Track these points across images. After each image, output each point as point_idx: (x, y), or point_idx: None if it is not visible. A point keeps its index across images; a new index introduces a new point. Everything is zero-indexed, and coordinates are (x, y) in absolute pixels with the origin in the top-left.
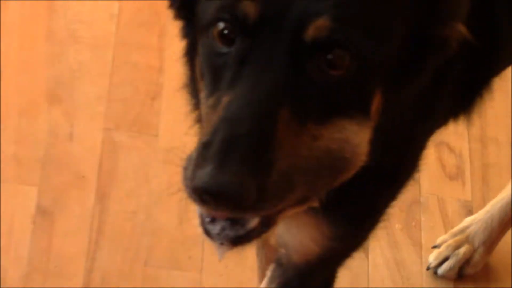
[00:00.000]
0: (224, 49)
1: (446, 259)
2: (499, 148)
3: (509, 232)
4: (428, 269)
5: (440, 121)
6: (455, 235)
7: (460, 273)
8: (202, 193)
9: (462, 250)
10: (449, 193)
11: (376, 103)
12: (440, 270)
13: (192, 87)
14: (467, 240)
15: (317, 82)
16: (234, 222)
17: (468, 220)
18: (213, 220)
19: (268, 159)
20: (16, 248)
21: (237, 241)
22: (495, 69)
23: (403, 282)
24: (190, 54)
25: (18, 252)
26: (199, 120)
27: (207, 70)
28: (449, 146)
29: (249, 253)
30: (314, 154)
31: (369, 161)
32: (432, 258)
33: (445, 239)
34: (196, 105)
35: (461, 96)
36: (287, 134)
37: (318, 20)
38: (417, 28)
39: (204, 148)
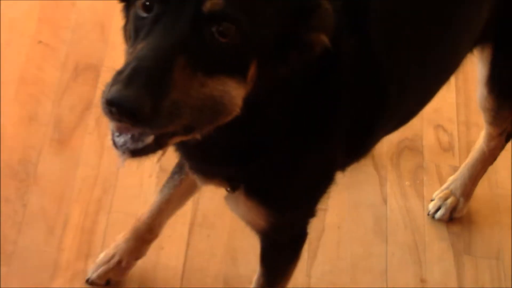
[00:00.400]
0: (145, 15)
1: (439, 207)
2: (479, 130)
3: (482, 183)
4: (428, 214)
5: (338, 151)
6: (443, 190)
7: (451, 217)
8: (110, 105)
9: (448, 201)
10: (443, 161)
11: (251, 72)
12: (436, 215)
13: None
14: (451, 193)
15: (209, 44)
16: (134, 138)
17: (450, 179)
18: (119, 135)
19: (163, 89)
20: None
21: (135, 153)
22: (382, 121)
23: (411, 223)
24: (124, 27)
25: None
26: None
27: (132, 30)
28: (443, 128)
29: None
30: (200, 96)
31: (246, 116)
32: (431, 206)
33: (438, 193)
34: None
35: (354, 138)
36: (181, 76)
37: None
38: (291, 28)
39: (117, 74)
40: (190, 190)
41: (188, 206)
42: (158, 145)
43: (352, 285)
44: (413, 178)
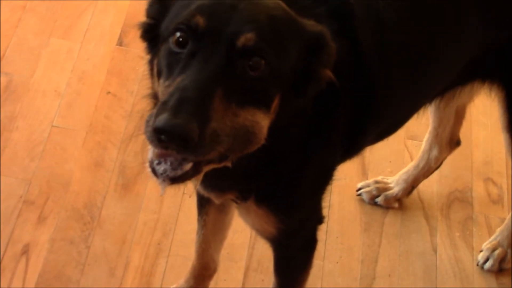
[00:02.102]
0: (179, 50)
1: (488, 258)
2: None
3: None
4: (477, 265)
5: (335, 152)
6: (491, 241)
7: (500, 268)
8: (159, 132)
9: (496, 252)
10: (492, 213)
11: (275, 104)
12: (485, 266)
13: (151, 82)
14: (499, 244)
15: (241, 77)
16: (173, 165)
17: (498, 230)
18: (159, 163)
19: (207, 117)
20: None
21: (174, 180)
22: (372, 121)
23: (460, 273)
24: (151, 62)
25: None
26: (155, 103)
27: (165, 66)
28: (493, 181)
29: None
30: (234, 126)
31: (268, 144)
32: (480, 257)
33: (486, 244)
34: (154, 98)
35: (348, 140)
36: (219, 106)
37: (248, 34)
38: (305, 64)
39: (163, 104)
40: (221, 223)
41: (243, 251)
42: (195, 172)
43: None
44: (462, 229)
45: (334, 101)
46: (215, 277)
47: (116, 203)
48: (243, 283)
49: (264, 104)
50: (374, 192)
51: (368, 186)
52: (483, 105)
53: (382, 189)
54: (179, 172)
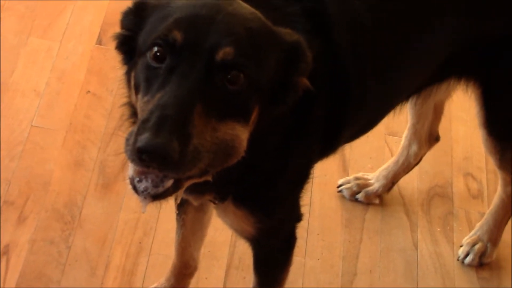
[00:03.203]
0: (157, 65)
1: (468, 253)
2: None
3: (508, 229)
4: (458, 260)
5: (313, 151)
6: (471, 236)
7: (480, 262)
8: (141, 152)
9: (476, 246)
10: (472, 208)
11: (254, 115)
12: (466, 261)
13: (129, 95)
14: (479, 239)
15: (220, 91)
16: (154, 183)
17: (478, 225)
18: (140, 180)
19: (187, 134)
20: None
21: (156, 197)
22: (348, 119)
23: (441, 268)
24: (128, 74)
25: None
26: (133, 116)
27: (143, 80)
28: (472, 176)
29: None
30: (214, 141)
31: (247, 154)
32: (460, 252)
33: (466, 239)
34: (131, 107)
35: (325, 139)
36: (199, 122)
37: (226, 48)
38: (282, 74)
39: (143, 123)
40: (200, 222)
41: (224, 249)
42: (176, 188)
43: None
44: (443, 224)
45: (310, 103)
46: (196, 275)
47: (96, 202)
48: (225, 281)
49: (243, 117)
50: (355, 189)
51: (348, 182)
52: (462, 101)
53: (362, 185)
54: (160, 189)
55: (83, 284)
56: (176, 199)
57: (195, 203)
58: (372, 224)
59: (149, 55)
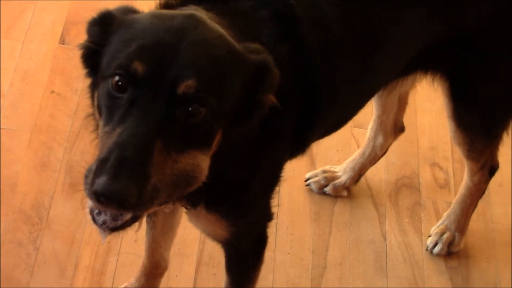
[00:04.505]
0: (119, 94)
1: (437, 243)
2: None
3: (477, 218)
4: (426, 249)
5: (283, 154)
6: (439, 226)
7: (448, 251)
8: (99, 196)
9: (444, 236)
10: (439, 197)
11: (216, 140)
12: (434, 250)
13: (92, 105)
14: (447, 228)
15: (181, 124)
16: (113, 216)
17: (445, 214)
18: (99, 213)
19: (145, 176)
20: None
21: (114, 230)
22: (319, 119)
23: (410, 258)
24: (92, 88)
25: None
26: (97, 129)
27: (104, 107)
28: (439, 166)
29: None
30: (174, 173)
31: (217, 164)
32: (428, 242)
33: (434, 229)
34: (95, 120)
35: (294, 140)
36: (159, 158)
37: (189, 81)
38: (248, 95)
39: (101, 163)
40: (170, 223)
41: (194, 247)
42: (135, 220)
43: None
44: (411, 214)
45: (279, 109)
46: (166, 273)
47: (64, 203)
48: (195, 278)
49: (204, 144)
50: (322, 182)
51: (316, 176)
52: (427, 92)
53: (330, 178)
54: (119, 222)
55: (52, 285)
56: (138, 226)
57: (166, 210)
58: (340, 216)
59: (111, 83)
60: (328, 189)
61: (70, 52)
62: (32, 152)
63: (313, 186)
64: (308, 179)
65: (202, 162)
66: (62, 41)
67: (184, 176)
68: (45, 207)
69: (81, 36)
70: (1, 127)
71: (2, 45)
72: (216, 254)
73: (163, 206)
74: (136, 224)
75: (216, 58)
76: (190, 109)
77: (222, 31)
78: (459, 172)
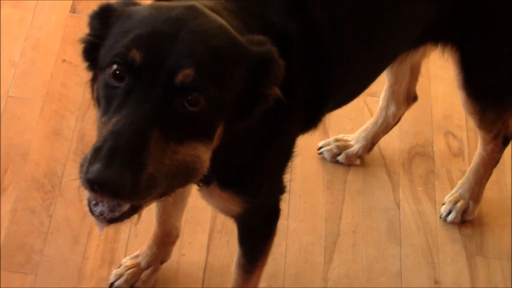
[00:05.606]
0: (116, 84)
1: (450, 211)
2: None
3: (492, 186)
4: (440, 217)
5: (295, 130)
6: (452, 194)
7: (462, 220)
8: (92, 184)
9: (458, 204)
10: (453, 166)
11: (218, 132)
12: (448, 218)
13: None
14: (460, 197)
15: (179, 114)
16: (111, 207)
17: (459, 183)
18: (96, 203)
19: (141, 164)
20: None
21: (112, 221)
22: (331, 93)
23: (424, 226)
24: (93, 81)
25: None
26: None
27: (102, 97)
28: (453, 134)
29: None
30: (173, 163)
31: (228, 146)
32: (442, 210)
33: (448, 197)
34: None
35: (307, 114)
36: (156, 148)
37: (186, 70)
38: (251, 87)
39: (96, 151)
40: (181, 193)
41: (207, 214)
42: (133, 211)
43: (367, 287)
44: (424, 183)
45: (291, 86)
46: (179, 241)
47: (76, 171)
48: (208, 245)
49: (205, 136)
50: (335, 150)
51: (328, 144)
52: (440, 60)
53: (342, 147)
54: (116, 214)
55: (66, 253)
56: (137, 218)
57: (170, 200)
58: (354, 185)
59: (108, 72)
60: (341, 158)
61: (81, 21)
62: (44, 121)
63: (326, 155)
64: (321, 148)
65: (203, 154)
66: (73, 10)
67: (184, 167)
68: (58, 175)
69: (91, 5)
70: (13, 96)
71: (13, 14)
72: (229, 221)
73: (163, 198)
74: (135, 216)
75: (215, 47)
76: (189, 98)
77: (222, 22)
78: (473, 140)
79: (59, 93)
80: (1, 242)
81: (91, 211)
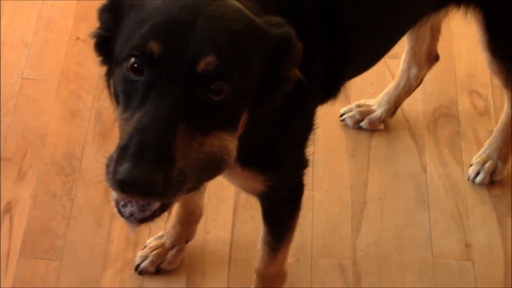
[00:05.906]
0: (135, 77)
1: (479, 172)
2: None
3: None
4: (468, 179)
5: (315, 103)
6: (480, 155)
7: (491, 180)
8: (122, 185)
9: (487, 165)
10: (480, 126)
11: (243, 119)
12: (477, 180)
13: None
14: (488, 157)
15: (203, 104)
16: (140, 206)
17: (486, 143)
18: (125, 204)
19: (170, 160)
20: None
21: (143, 221)
22: (348, 67)
23: (452, 189)
24: (108, 78)
25: None
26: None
27: (121, 92)
28: (478, 93)
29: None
30: (201, 156)
31: (248, 129)
32: (470, 171)
33: (476, 158)
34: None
35: (326, 86)
36: (183, 142)
37: (208, 57)
38: (271, 71)
39: (122, 150)
40: None
41: (230, 190)
42: (164, 209)
43: (397, 255)
44: (451, 145)
45: (309, 60)
46: (204, 218)
47: (96, 152)
48: (233, 221)
49: (231, 125)
50: (358, 116)
51: (350, 110)
52: (462, 18)
53: (365, 112)
54: (147, 213)
55: (90, 236)
56: (168, 216)
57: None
58: (378, 151)
59: (126, 66)
60: (363, 124)
61: None
62: (61, 101)
63: (348, 121)
64: (342, 114)
65: (229, 143)
66: None
67: (211, 159)
68: (77, 157)
69: None
70: (28, 78)
71: None
72: None
73: (191, 193)
74: (166, 213)
75: (234, 32)
76: (212, 86)
77: (239, 5)
78: (499, 98)
79: (74, 73)
80: (24, 228)
81: (120, 212)
